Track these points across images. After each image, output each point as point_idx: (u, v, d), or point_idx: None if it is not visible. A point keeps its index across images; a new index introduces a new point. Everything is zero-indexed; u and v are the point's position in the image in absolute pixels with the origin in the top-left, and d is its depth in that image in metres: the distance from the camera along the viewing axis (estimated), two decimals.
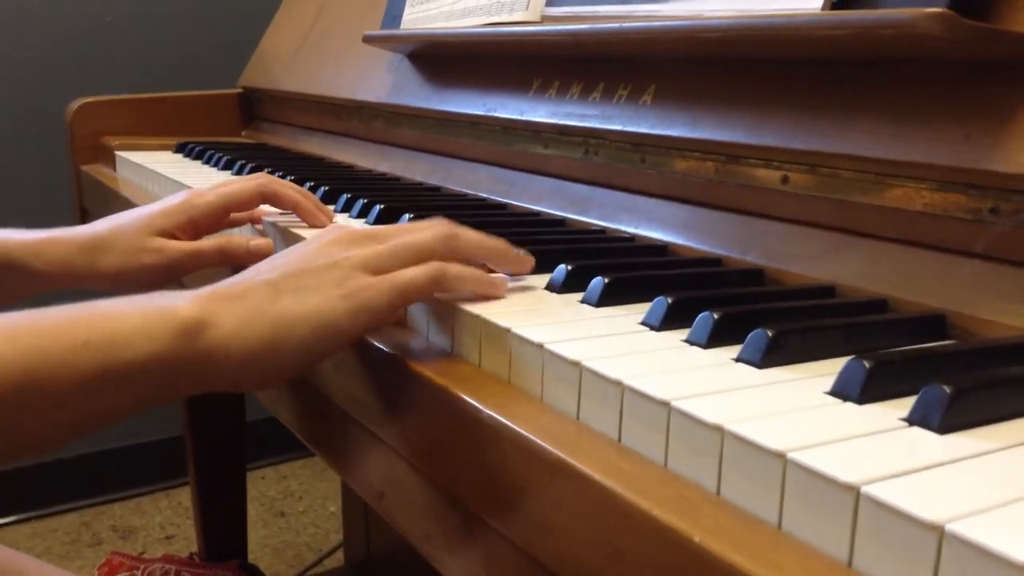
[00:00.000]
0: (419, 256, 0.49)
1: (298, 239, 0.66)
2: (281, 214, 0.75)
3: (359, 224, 0.63)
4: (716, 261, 0.58)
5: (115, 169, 1.20)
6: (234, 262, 0.65)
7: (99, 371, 0.40)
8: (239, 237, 0.68)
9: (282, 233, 0.70)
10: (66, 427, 0.42)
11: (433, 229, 0.50)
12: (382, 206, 0.71)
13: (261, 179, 0.70)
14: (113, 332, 0.41)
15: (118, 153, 1.19)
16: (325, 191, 0.81)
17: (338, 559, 1.66)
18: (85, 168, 1.25)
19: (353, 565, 1.54)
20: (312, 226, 0.71)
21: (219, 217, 0.69)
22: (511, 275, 0.54)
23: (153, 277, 0.66)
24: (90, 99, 1.29)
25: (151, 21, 1.84)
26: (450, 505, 0.45)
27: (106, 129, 1.28)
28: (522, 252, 0.54)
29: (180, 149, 1.22)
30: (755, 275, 0.55)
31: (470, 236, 0.51)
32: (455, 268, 0.49)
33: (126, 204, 1.01)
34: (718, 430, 0.33)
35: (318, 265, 0.47)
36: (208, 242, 0.67)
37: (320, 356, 0.47)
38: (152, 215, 0.67)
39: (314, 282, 0.46)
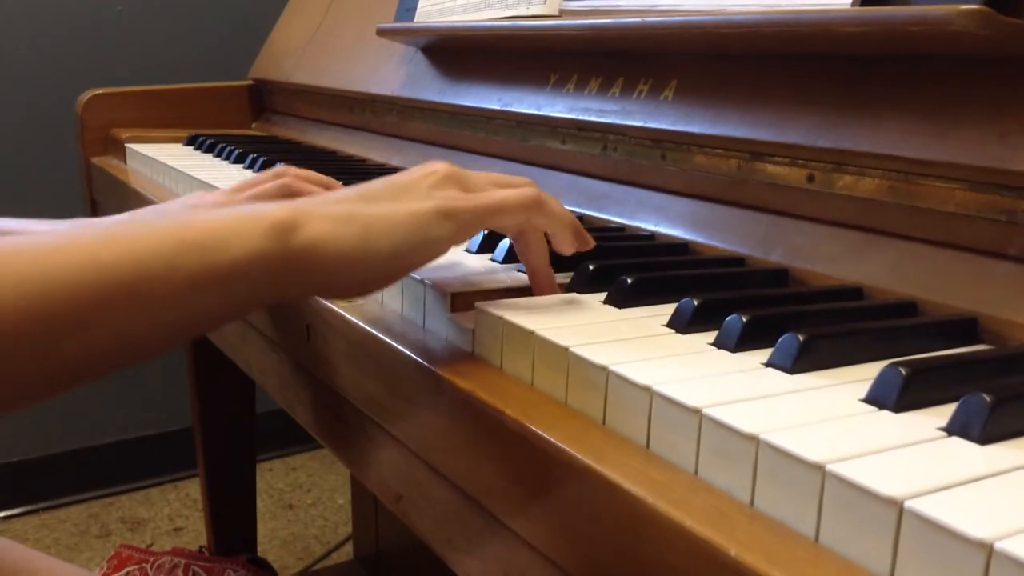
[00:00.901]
0: (504, 205, 0.49)
1: None
2: None
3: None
4: (739, 260, 0.58)
5: (125, 161, 1.20)
6: None
7: (202, 271, 0.41)
8: None
9: None
10: (172, 329, 0.42)
11: (524, 188, 0.51)
12: None
13: (285, 179, 0.69)
14: (212, 233, 0.42)
15: (128, 145, 1.19)
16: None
17: (347, 552, 1.66)
18: (95, 160, 1.24)
19: (362, 559, 1.54)
20: None
21: None
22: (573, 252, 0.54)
23: None
24: (100, 91, 1.28)
25: (161, 12, 1.83)
26: (471, 509, 0.44)
27: (116, 121, 1.27)
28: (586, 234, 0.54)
29: (191, 142, 1.21)
30: (780, 275, 0.54)
31: (554, 205, 0.51)
32: (544, 204, 0.49)
33: (136, 196, 1.01)
34: (753, 439, 0.33)
35: (416, 180, 0.48)
36: None
37: (410, 263, 0.47)
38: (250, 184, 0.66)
39: (409, 193, 0.47)
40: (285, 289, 0.44)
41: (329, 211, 0.44)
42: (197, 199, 0.68)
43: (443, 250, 0.48)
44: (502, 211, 0.48)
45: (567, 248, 0.52)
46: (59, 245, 0.40)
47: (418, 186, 0.47)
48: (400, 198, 0.46)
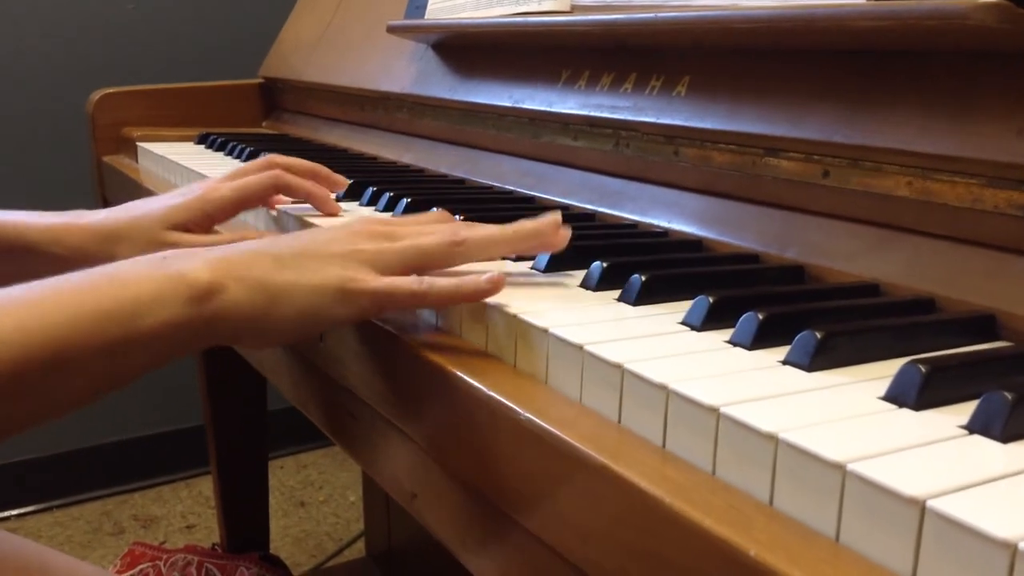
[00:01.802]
0: (421, 262, 0.51)
1: (312, 227, 0.67)
2: (294, 202, 0.75)
3: (385, 217, 0.62)
4: (754, 257, 0.57)
5: (136, 160, 1.20)
6: None
7: (121, 338, 0.44)
8: (254, 232, 0.69)
9: (298, 221, 0.70)
10: (88, 390, 0.45)
11: (440, 235, 0.52)
12: (408, 200, 0.70)
13: (274, 171, 0.71)
14: (134, 300, 0.44)
15: (140, 144, 1.19)
16: (350, 184, 0.80)
17: (359, 549, 1.66)
18: (107, 159, 1.25)
19: (374, 556, 1.54)
20: (326, 215, 0.72)
21: (233, 212, 0.71)
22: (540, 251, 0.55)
23: None
24: (111, 90, 1.28)
25: (172, 11, 1.83)
26: (486, 508, 0.44)
27: (127, 120, 1.28)
28: (543, 221, 0.53)
29: (202, 140, 1.21)
30: (795, 272, 0.54)
31: (477, 238, 0.52)
32: (439, 288, 0.49)
33: (148, 195, 1.01)
34: (772, 439, 0.32)
35: (327, 252, 0.49)
36: (224, 236, 0.69)
37: (306, 333, 0.51)
38: (169, 208, 0.69)
39: (317, 266, 0.49)
40: (197, 345, 0.48)
41: (242, 275, 0.47)
42: (196, 187, 0.71)
43: (339, 325, 0.52)
44: (396, 297, 0.49)
45: (479, 296, 0.50)
46: None
47: (327, 258, 0.49)
48: (307, 267, 0.48)
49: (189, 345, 0.47)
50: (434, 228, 0.53)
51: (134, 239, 0.67)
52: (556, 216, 0.54)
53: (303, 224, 0.69)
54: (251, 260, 0.48)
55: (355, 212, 0.74)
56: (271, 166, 0.72)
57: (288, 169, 0.72)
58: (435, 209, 0.62)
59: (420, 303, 0.50)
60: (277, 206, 0.74)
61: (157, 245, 0.66)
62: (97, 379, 0.44)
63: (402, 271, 0.50)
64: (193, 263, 0.47)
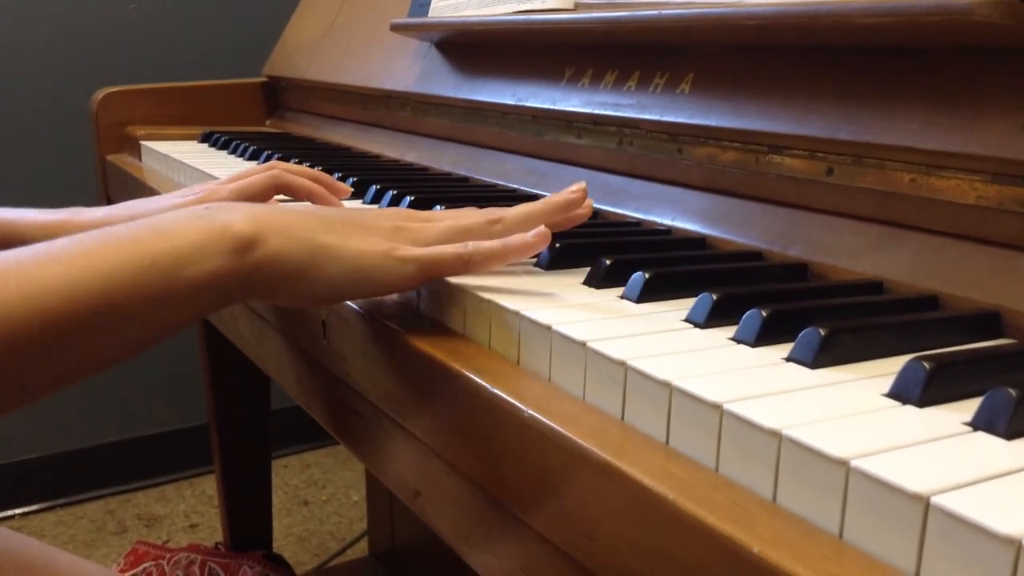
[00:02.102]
0: (464, 237, 0.52)
1: None
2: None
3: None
4: (757, 255, 0.57)
5: (140, 159, 1.20)
6: None
7: (164, 289, 0.44)
8: None
9: None
10: (135, 341, 0.45)
11: (478, 214, 0.53)
12: (412, 198, 0.70)
13: (274, 171, 0.72)
14: (176, 251, 0.44)
15: (143, 143, 1.19)
16: (354, 182, 0.80)
17: (362, 548, 1.66)
18: (110, 158, 1.25)
19: (377, 555, 1.54)
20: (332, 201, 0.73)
21: None
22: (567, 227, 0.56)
23: None
24: (114, 88, 1.28)
25: (175, 10, 1.83)
26: (490, 505, 0.44)
27: (131, 118, 1.28)
28: (571, 190, 0.55)
29: (205, 139, 1.21)
30: (799, 269, 0.54)
31: (513, 214, 0.54)
32: (485, 248, 0.51)
33: (152, 194, 1.01)
34: (775, 435, 0.32)
35: (373, 223, 0.50)
36: None
37: (347, 295, 0.51)
38: (169, 208, 0.68)
39: (362, 234, 0.49)
40: (240, 296, 0.47)
41: (286, 228, 0.47)
42: (198, 189, 0.71)
43: (378, 293, 0.52)
44: (441, 261, 0.50)
45: (526, 250, 0.52)
46: (36, 263, 0.42)
47: (371, 229, 0.50)
48: (353, 233, 0.49)
49: (232, 295, 0.47)
50: (468, 212, 0.55)
51: None
52: (582, 184, 0.55)
53: None
54: (296, 219, 0.48)
55: None
56: (272, 167, 0.73)
57: (288, 184, 0.72)
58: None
59: (467, 266, 0.50)
60: None
61: None
62: (142, 329, 0.44)
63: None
64: (236, 215, 0.47)
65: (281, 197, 0.74)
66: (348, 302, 0.56)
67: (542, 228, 0.52)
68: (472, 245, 0.50)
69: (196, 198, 0.69)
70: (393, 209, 0.53)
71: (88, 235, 0.45)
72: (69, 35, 1.74)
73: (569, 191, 0.55)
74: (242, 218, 0.46)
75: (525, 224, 0.53)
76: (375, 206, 0.75)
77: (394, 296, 0.56)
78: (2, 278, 0.40)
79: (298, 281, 0.48)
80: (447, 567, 1.28)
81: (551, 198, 0.55)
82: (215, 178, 0.88)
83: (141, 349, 0.46)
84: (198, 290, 0.45)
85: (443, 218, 0.53)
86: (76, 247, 0.43)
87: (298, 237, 0.47)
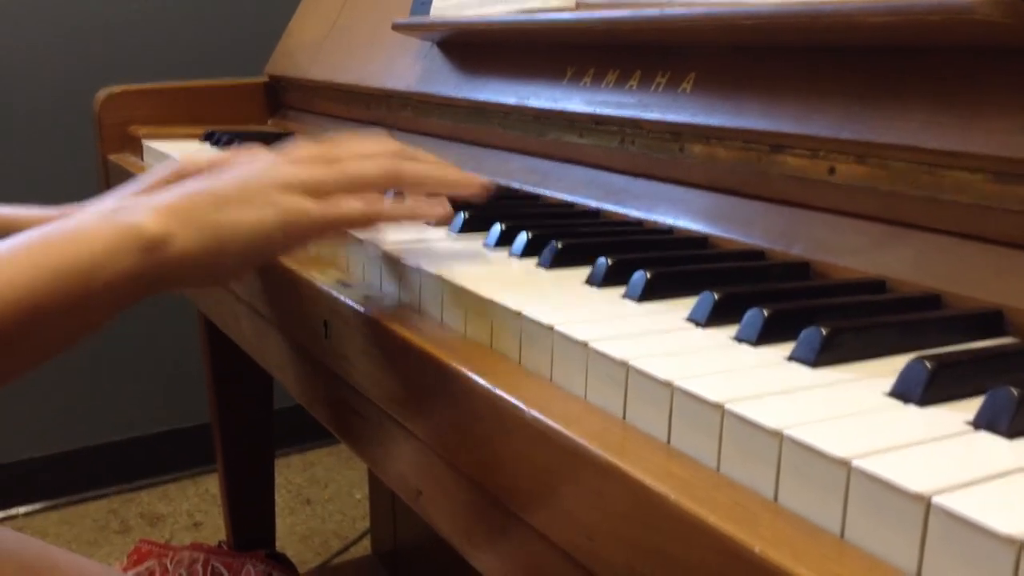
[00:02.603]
0: (362, 186, 0.53)
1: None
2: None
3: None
4: (759, 254, 0.57)
5: (143, 158, 1.20)
6: None
7: (82, 293, 0.46)
8: None
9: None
10: (58, 342, 0.47)
11: (378, 160, 0.54)
12: None
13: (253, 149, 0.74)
14: (90, 256, 0.46)
15: (145, 142, 1.19)
16: None
17: (364, 547, 1.66)
18: (113, 157, 1.25)
19: (380, 553, 1.54)
20: None
21: None
22: (460, 198, 0.59)
23: None
24: (117, 88, 1.28)
25: (177, 9, 1.83)
26: (491, 505, 0.44)
27: (133, 118, 1.28)
28: (470, 177, 0.58)
29: (208, 138, 1.21)
30: (801, 268, 0.54)
31: (412, 172, 0.55)
32: (388, 210, 0.53)
33: None
34: (777, 435, 0.32)
35: (267, 181, 0.51)
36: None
37: (253, 265, 0.53)
38: (151, 187, 0.69)
39: (258, 198, 0.50)
40: (152, 291, 0.49)
41: (187, 219, 0.48)
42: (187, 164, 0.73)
43: (284, 254, 0.54)
44: (344, 223, 0.52)
45: (439, 207, 0.55)
46: None
47: (266, 189, 0.50)
48: (249, 201, 0.50)
49: (145, 291, 0.49)
50: (371, 151, 0.56)
51: None
52: (484, 181, 0.58)
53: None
54: (194, 203, 0.49)
55: None
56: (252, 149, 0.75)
57: None
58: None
59: (366, 226, 0.53)
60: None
61: None
62: (64, 331, 0.46)
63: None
64: (142, 214, 0.48)
65: None
66: (350, 303, 0.56)
67: (446, 208, 0.55)
68: (376, 206, 0.52)
69: (172, 172, 0.70)
70: (296, 150, 0.54)
71: (4, 245, 0.46)
72: (71, 35, 1.74)
73: (468, 175, 0.58)
74: (149, 217, 0.48)
75: (422, 185, 0.55)
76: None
77: (395, 296, 0.56)
78: None
79: (207, 267, 0.49)
80: (449, 566, 1.28)
81: (450, 170, 0.57)
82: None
83: (67, 347, 0.48)
84: (113, 291, 0.46)
85: (344, 158, 0.54)
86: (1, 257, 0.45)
87: (200, 223, 0.48)
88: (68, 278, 0.45)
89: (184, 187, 0.51)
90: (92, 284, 0.46)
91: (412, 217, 0.55)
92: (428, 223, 0.57)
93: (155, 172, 0.65)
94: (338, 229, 0.53)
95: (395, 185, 0.55)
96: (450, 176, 0.57)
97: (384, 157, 0.55)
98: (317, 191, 0.51)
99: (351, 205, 0.52)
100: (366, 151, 0.56)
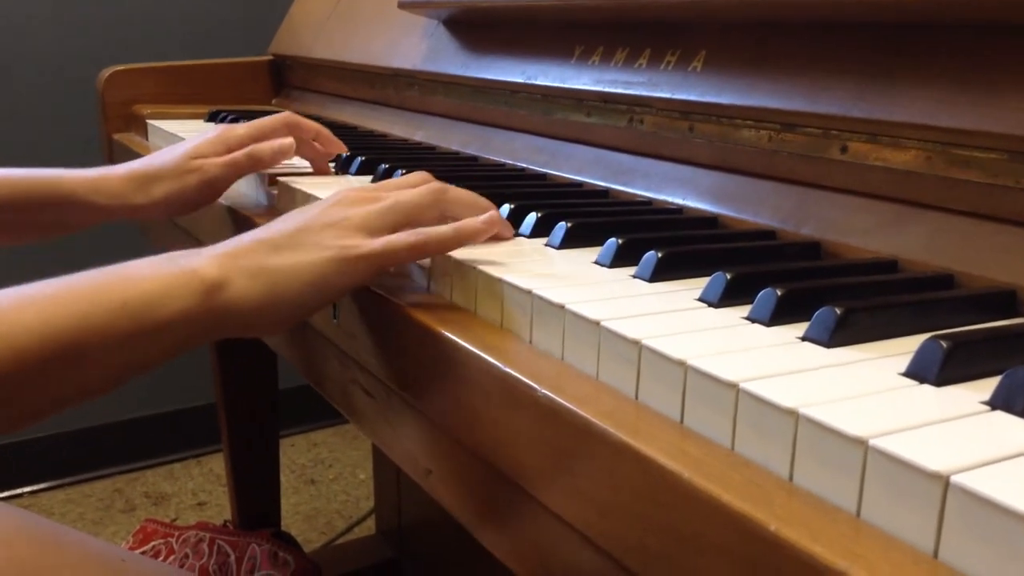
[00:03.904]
0: (409, 215, 0.53)
1: (311, 198, 0.68)
2: (294, 173, 0.79)
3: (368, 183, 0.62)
4: (770, 234, 0.57)
5: (147, 138, 1.19)
6: (263, 166, 0.75)
7: (135, 330, 0.46)
8: (266, 144, 0.75)
9: (295, 194, 0.71)
10: (105, 380, 0.47)
11: (423, 188, 0.55)
12: None
13: (285, 113, 0.79)
14: (146, 294, 0.47)
15: (150, 122, 1.19)
16: (362, 161, 0.80)
17: (368, 527, 1.67)
18: (117, 137, 1.25)
19: (384, 533, 1.55)
20: (331, 155, 0.82)
21: (250, 142, 0.76)
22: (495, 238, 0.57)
23: (199, 196, 0.74)
24: (121, 67, 1.28)
25: None
26: (502, 484, 0.44)
27: (138, 97, 1.27)
28: (505, 223, 0.57)
29: (212, 118, 1.21)
30: (812, 248, 0.54)
31: (457, 195, 0.56)
32: (437, 236, 0.52)
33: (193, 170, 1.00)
34: (792, 414, 0.32)
35: (318, 225, 0.51)
36: (240, 152, 0.74)
37: (313, 308, 0.52)
38: (195, 146, 0.75)
39: (311, 241, 0.51)
40: (206, 338, 0.50)
41: (245, 265, 0.49)
42: (214, 129, 0.76)
43: (344, 293, 0.53)
44: (395, 254, 0.51)
45: (479, 235, 0.53)
46: (11, 305, 0.44)
47: (318, 233, 0.51)
48: (302, 245, 0.50)
49: (199, 338, 0.49)
50: (416, 181, 0.57)
51: (164, 177, 0.73)
52: (511, 230, 0.57)
53: (301, 197, 0.71)
54: (250, 249, 0.50)
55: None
56: (284, 112, 0.79)
57: (298, 124, 0.78)
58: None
59: (421, 252, 0.52)
60: (279, 179, 0.77)
61: (186, 173, 0.72)
62: (112, 369, 0.47)
63: (392, 229, 0.52)
64: (200, 259, 0.49)
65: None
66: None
67: (494, 214, 0.54)
68: (424, 234, 0.51)
69: (215, 135, 0.74)
70: (339, 194, 0.54)
71: (62, 279, 0.47)
72: (76, 14, 1.73)
73: (504, 221, 0.57)
74: (206, 263, 0.49)
75: (468, 207, 0.55)
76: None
77: (404, 275, 0.56)
78: None
79: (263, 312, 0.50)
80: (455, 544, 1.28)
81: (495, 211, 0.56)
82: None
83: (114, 387, 0.48)
84: (166, 332, 0.47)
85: (387, 195, 0.54)
86: (49, 290, 0.46)
87: (255, 269, 0.49)
88: (122, 314, 0.46)
89: (239, 237, 0.52)
90: (145, 323, 0.46)
91: (458, 238, 0.52)
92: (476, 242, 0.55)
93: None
94: (393, 262, 0.52)
95: (440, 210, 0.55)
96: (489, 205, 0.57)
97: (425, 186, 0.56)
98: (368, 227, 0.52)
99: (401, 236, 0.51)
100: (409, 183, 0.57)
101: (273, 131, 0.76)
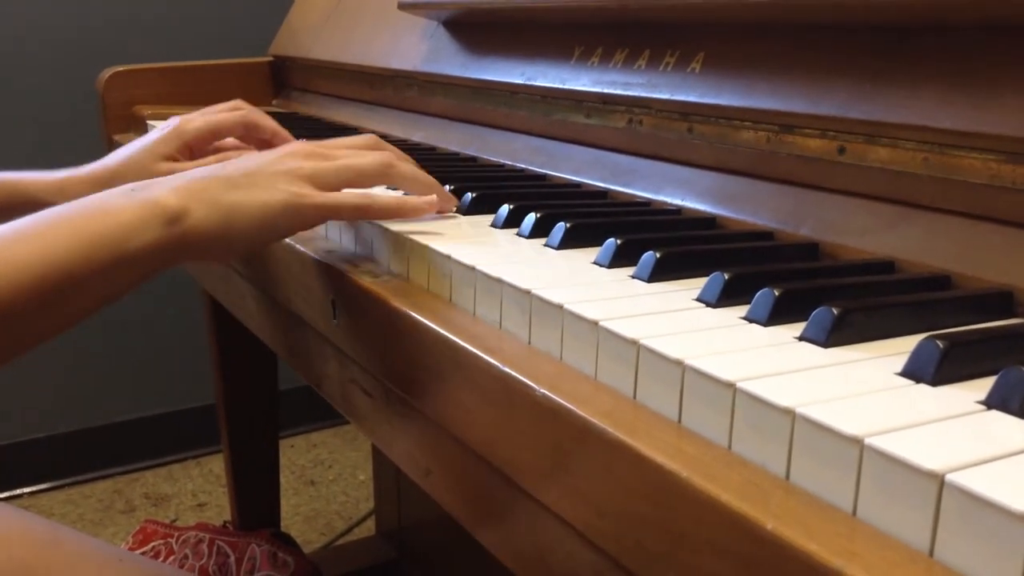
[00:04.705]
0: (356, 179, 0.58)
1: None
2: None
3: (394, 194, 0.62)
4: (768, 235, 0.57)
5: None
6: None
7: (112, 261, 0.50)
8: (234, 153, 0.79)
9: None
10: (89, 305, 0.51)
11: (375, 156, 0.60)
12: None
13: (243, 110, 0.81)
14: (121, 226, 0.51)
15: (150, 122, 1.19)
16: None
17: (368, 528, 1.67)
18: (117, 137, 1.25)
19: (384, 534, 1.55)
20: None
21: (208, 141, 0.80)
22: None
23: None
24: (121, 68, 1.28)
25: None
26: (501, 484, 0.44)
27: (138, 98, 1.27)
28: (450, 197, 0.63)
29: None
30: (810, 249, 0.54)
31: (405, 169, 0.60)
32: (381, 203, 0.58)
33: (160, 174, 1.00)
34: (789, 413, 0.32)
35: (272, 170, 0.56)
36: (208, 159, 0.78)
37: (261, 243, 0.58)
38: (153, 143, 0.77)
39: (265, 183, 0.55)
40: (174, 261, 0.54)
41: (202, 197, 0.53)
42: (171, 120, 0.79)
43: (288, 235, 0.59)
44: (342, 213, 0.57)
45: (419, 213, 0.59)
46: (7, 243, 0.49)
47: (272, 177, 0.55)
48: (256, 185, 0.55)
49: (167, 261, 0.53)
50: (367, 145, 0.62)
51: (129, 177, 0.73)
52: (455, 200, 0.64)
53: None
54: (206, 184, 0.54)
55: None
56: (238, 107, 0.82)
57: (256, 123, 0.81)
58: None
59: (363, 214, 0.58)
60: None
61: (151, 176, 0.73)
62: (95, 296, 0.51)
63: (338, 188, 0.57)
64: (161, 191, 0.53)
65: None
66: (356, 280, 0.56)
67: (434, 198, 0.59)
68: (371, 197, 0.57)
69: (172, 127, 0.77)
70: (294, 145, 0.59)
71: (44, 216, 0.51)
72: (76, 15, 1.74)
73: (449, 196, 0.63)
74: (168, 193, 0.53)
75: (414, 182, 0.60)
76: (382, 187, 0.74)
77: (404, 275, 0.56)
78: None
79: (216, 241, 0.54)
80: (454, 544, 1.28)
81: (434, 183, 0.62)
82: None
83: (95, 311, 0.52)
84: (140, 260, 0.51)
85: (341, 154, 0.59)
86: (36, 227, 0.50)
87: (212, 201, 0.53)
88: (101, 246, 0.50)
89: (197, 171, 0.56)
90: (122, 253, 0.50)
91: (401, 210, 0.59)
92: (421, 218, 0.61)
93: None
94: (336, 216, 0.58)
95: (387, 180, 0.60)
96: (432, 183, 0.62)
97: (378, 153, 0.60)
98: (318, 180, 0.56)
99: (348, 195, 0.57)
100: (359, 145, 0.61)
101: (230, 129, 0.78)
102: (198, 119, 0.78)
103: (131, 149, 0.77)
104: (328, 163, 0.57)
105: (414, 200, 0.59)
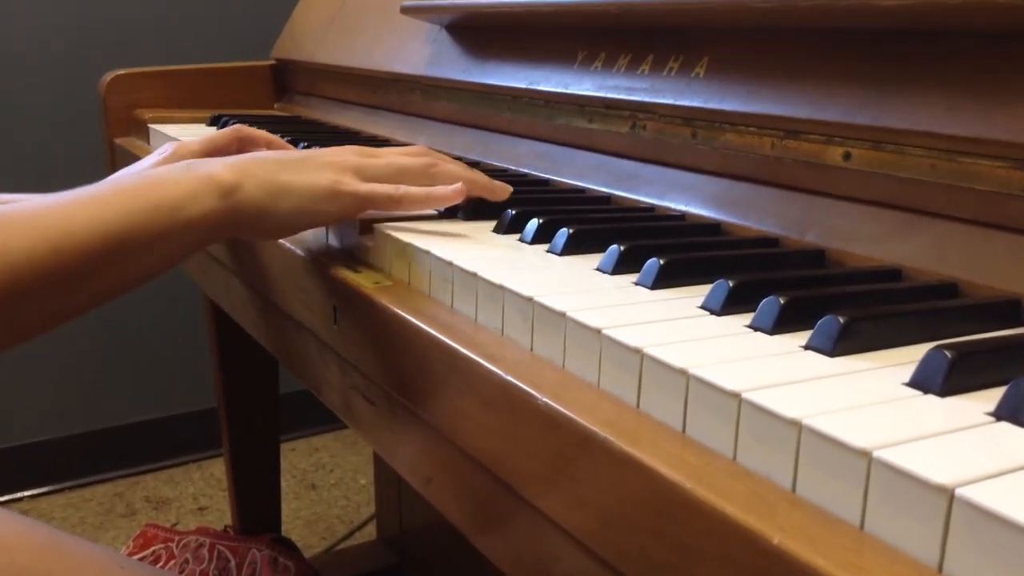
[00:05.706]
0: (398, 175, 0.61)
1: None
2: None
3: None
4: (773, 241, 0.56)
5: (149, 142, 1.19)
6: None
7: (168, 227, 0.53)
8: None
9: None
10: (145, 270, 0.54)
11: (417, 159, 0.63)
12: None
13: (236, 127, 0.83)
14: (178, 197, 0.54)
15: (151, 126, 1.18)
16: None
17: (369, 532, 1.67)
18: (119, 141, 1.24)
19: (385, 539, 1.54)
20: None
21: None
22: (489, 201, 0.65)
23: None
24: (123, 71, 1.28)
25: None
26: (502, 492, 0.44)
27: (139, 102, 1.27)
28: (497, 184, 0.65)
29: (214, 122, 1.21)
30: (816, 256, 0.53)
31: (448, 168, 0.63)
32: (411, 194, 0.60)
33: None
34: (795, 424, 0.32)
35: (322, 160, 0.60)
36: None
37: (299, 226, 0.60)
38: (152, 165, 0.76)
39: (313, 168, 0.58)
40: (225, 233, 0.57)
41: (253, 174, 0.56)
42: (167, 147, 0.79)
43: (330, 220, 0.61)
44: (375, 198, 0.59)
45: (446, 201, 0.62)
46: (62, 213, 0.51)
47: (321, 165, 0.59)
48: (304, 170, 0.58)
49: (219, 233, 0.56)
50: (415, 152, 0.65)
51: None
52: (508, 188, 0.65)
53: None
54: (260, 164, 0.57)
55: None
56: (239, 132, 0.83)
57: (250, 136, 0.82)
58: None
59: (397, 204, 0.60)
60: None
61: None
62: (149, 262, 0.54)
63: (381, 183, 0.60)
64: (216, 167, 0.56)
65: None
66: (357, 287, 0.55)
67: (460, 185, 0.61)
68: (403, 188, 0.60)
69: (170, 154, 0.76)
70: (347, 147, 0.63)
71: (105, 184, 0.54)
72: (78, 18, 1.74)
73: (495, 183, 0.65)
74: (222, 169, 0.56)
75: (456, 179, 0.62)
76: None
77: (405, 282, 0.56)
78: (44, 220, 0.50)
79: (263, 217, 0.56)
80: (456, 550, 1.28)
81: (479, 175, 0.65)
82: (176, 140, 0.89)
83: (151, 277, 0.55)
84: (194, 228, 0.54)
85: (385, 155, 0.62)
86: (97, 193, 0.53)
87: (262, 179, 0.56)
88: (158, 212, 0.53)
89: (252, 154, 0.60)
90: (177, 219, 0.53)
91: (430, 199, 0.61)
92: (437, 210, 0.64)
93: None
94: (372, 206, 0.59)
95: (431, 179, 0.62)
96: (480, 179, 0.64)
97: (424, 156, 0.63)
98: (361, 173, 0.59)
99: (383, 186, 0.60)
100: (410, 152, 0.65)
101: (226, 144, 0.79)
102: (195, 143, 0.78)
103: (129, 173, 0.77)
104: (373, 160, 0.61)
105: (441, 188, 0.61)
